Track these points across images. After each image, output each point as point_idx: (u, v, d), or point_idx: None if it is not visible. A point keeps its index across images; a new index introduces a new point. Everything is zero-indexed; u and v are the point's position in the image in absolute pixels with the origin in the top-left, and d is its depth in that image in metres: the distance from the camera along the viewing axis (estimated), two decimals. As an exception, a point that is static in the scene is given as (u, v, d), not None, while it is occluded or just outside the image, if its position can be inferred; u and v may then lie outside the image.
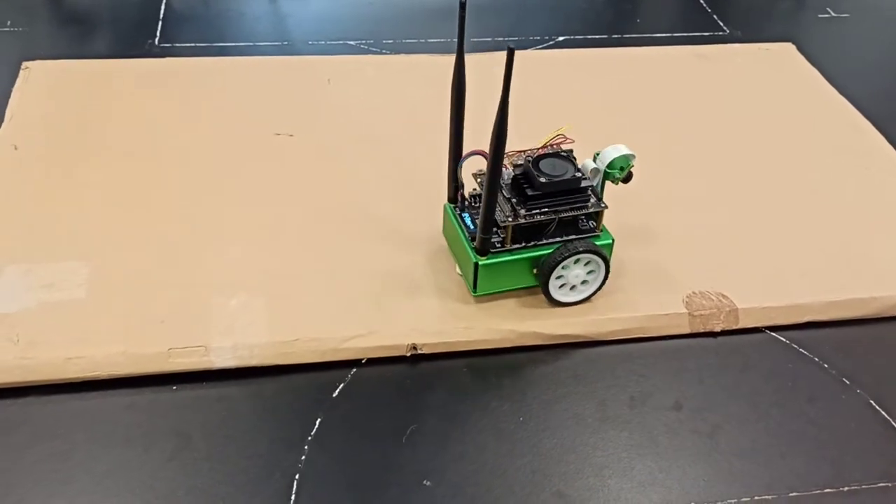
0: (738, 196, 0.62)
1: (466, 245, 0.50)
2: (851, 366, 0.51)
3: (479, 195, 0.49)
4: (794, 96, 0.73)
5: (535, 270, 0.50)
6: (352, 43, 0.78)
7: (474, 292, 0.50)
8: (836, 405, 0.49)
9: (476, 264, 0.49)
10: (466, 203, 0.52)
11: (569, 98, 0.71)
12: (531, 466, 0.44)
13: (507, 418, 0.47)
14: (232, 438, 0.45)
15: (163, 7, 0.82)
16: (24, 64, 0.69)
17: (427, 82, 0.72)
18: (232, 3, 0.84)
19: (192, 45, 0.76)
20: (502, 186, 0.49)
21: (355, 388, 0.48)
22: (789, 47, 0.80)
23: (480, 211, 0.47)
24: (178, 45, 0.76)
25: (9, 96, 0.66)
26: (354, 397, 0.47)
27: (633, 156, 0.50)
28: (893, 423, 0.48)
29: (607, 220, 0.51)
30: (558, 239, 0.50)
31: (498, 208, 0.48)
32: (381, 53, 0.77)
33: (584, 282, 0.51)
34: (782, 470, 0.45)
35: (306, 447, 0.44)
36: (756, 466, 0.45)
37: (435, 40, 0.80)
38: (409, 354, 0.49)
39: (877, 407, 0.49)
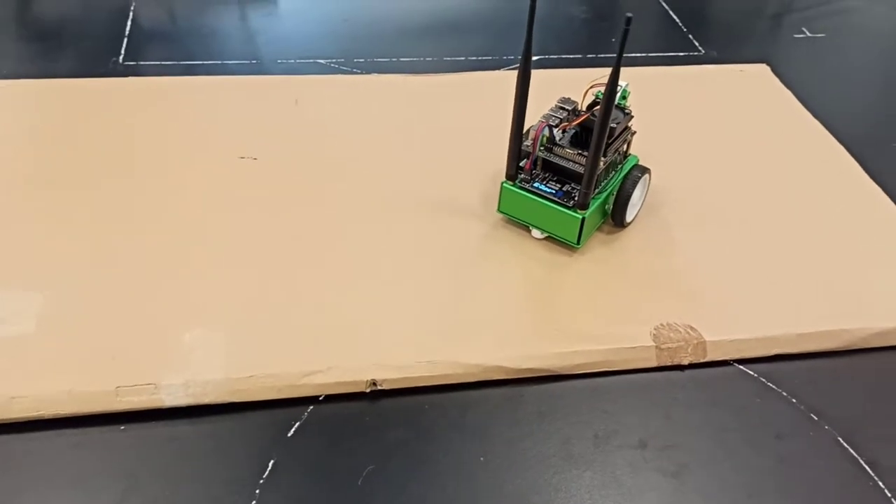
0: (707, 223, 0.61)
1: (558, 207, 0.55)
2: (820, 401, 0.50)
3: (553, 162, 0.56)
4: (768, 119, 0.73)
5: (606, 207, 0.57)
6: (322, 62, 0.77)
7: (578, 244, 0.56)
8: (805, 442, 0.48)
9: (583, 219, 0.54)
10: (534, 174, 0.57)
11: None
12: (491, 509, 0.43)
13: (469, 458, 0.46)
14: (182, 480, 0.43)
15: (129, 24, 0.80)
16: (-17, 83, 0.68)
17: (398, 103, 0.71)
18: (200, 20, 0.83)
19: (158, 63, 0.75)
20: (564, 146, 0.56)
21: (312, 427, 0.46)
22: (764, 69, 0.80)
23: (586, 171, 0.52)
24: (143, 63, 0.75)
25: (-35, 117, 0.64)
26: (311, 436, 0.46)
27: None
28: (861, 461, 0.47)
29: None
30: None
31: (573, 163, 0.55)
32: (351, 73, 0.76)
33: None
34: (749, 511, 0.44)
35: (258, 490, 0.43)
36: (722, 507, 0.44)
37: (407, 59, 0.79)
38: (368, 390, 0.48)
39: (845, 444, 0.48)
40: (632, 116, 0.58)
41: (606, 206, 0.58)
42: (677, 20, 0.89)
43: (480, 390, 0.49)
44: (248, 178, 0.61)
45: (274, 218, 0.58)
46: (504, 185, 0.57)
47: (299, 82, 0.73)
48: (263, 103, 0.69)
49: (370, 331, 0.50)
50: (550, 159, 0.56)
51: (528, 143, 0.56)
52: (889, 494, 0.45)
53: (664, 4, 0.93)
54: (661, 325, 0.52)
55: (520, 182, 0.56)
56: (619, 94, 0.56)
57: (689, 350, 0.51)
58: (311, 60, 0.77)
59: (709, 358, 0.52)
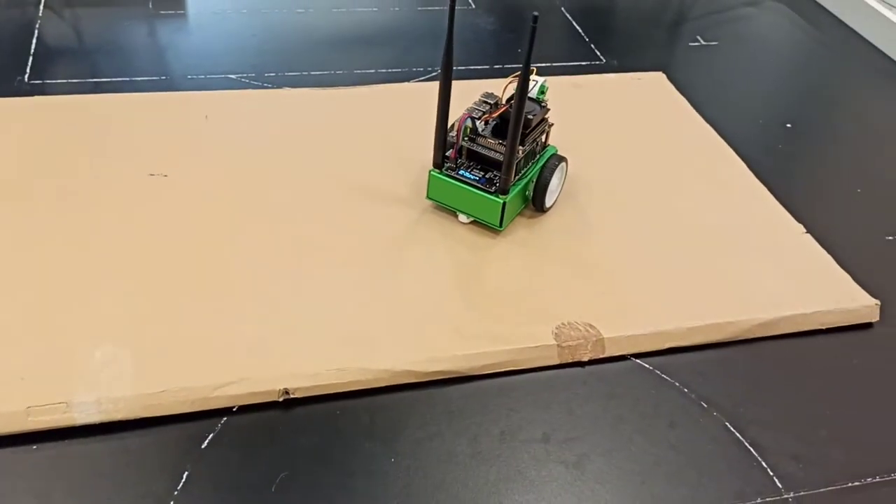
0: (606, 225, 0.64)
1: (481, 193, 0.59)
2: (709, 389, 0.54)
3: (476, 151, 0.60)
4: (663, 125, 0.77)
5: (527, 193, 0.62)
6: (233, 77, 0.78)
7: (500, 227, 0.60)
8: (695, 429, 0.51)
9: (504, 203, 0.58)
10: (459, 163, 0.61)
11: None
12: (401, 507, 0.45)
13: (379, 459, 0.47)
14: (96, 497, 0.44)
15: (34, 41, 0.80)
16: None
17: (310, 116, 0.72)
18: (108, 36, 0.82)
19: (65, 81, 0.75)
20: (486, 136, 0.60)
21: (226, 438, 0.47)
22: (660, 76, 0.84)
23: (505, 158, 0.57)
24: (49, 81, 0.74)
25: None
26: (224, 447, 0.47)
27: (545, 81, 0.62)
28: (746, 444, 0.50)
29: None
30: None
31: (494, 152, 0.59)
32: (262, 87, 0.77)
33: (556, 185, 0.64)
34: (643, 495, 0.47)
35: (172, 502, 0.44)
36: (618, 493, 0.47)
37: (318, 73, 0.80)
38: (281, 399, 0.49)
39: (731, 428, 0.51)
40: (548, 109, 0.62)
41: (527, 192, 0.62)
42: (581, 31, 0.93)
43: (391, 394, 0.51)
44: (158, 195, 0.62)
45: (185, 233, 0.59)
46: (431, 172, 0.61)
47: (209, 98, 0.73)
48: (173, 120, 0.70)
49: (282, 340, 0.52)
50: (474, 148, 0.60)
51: (452, 134, 0.60)
52: (771, 473, 0.49)
53: (568, 16, 0.96)
54: (563, 323, 0.55)
55: (446, 170, 0.60)
56: (537, 89, 0.61)
57: (589, 347, 0.54)
58: (222, 76, 0.78)
59: (607, 353, 0.55)
